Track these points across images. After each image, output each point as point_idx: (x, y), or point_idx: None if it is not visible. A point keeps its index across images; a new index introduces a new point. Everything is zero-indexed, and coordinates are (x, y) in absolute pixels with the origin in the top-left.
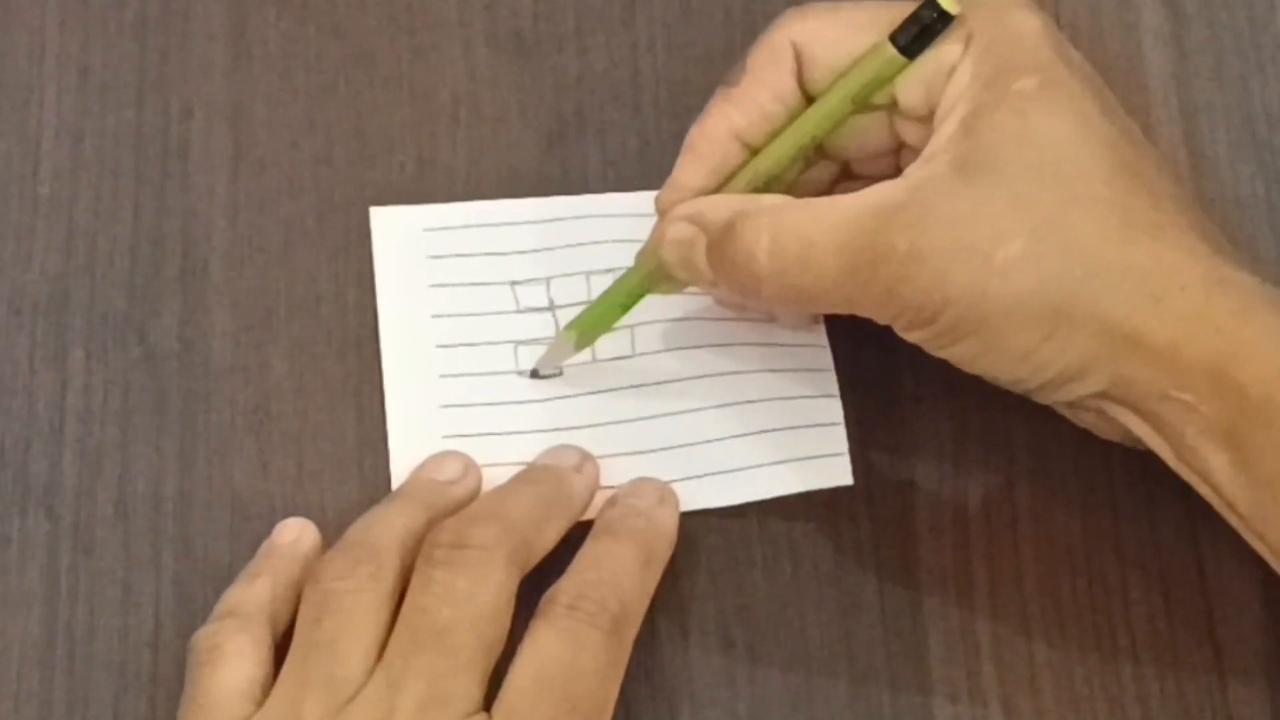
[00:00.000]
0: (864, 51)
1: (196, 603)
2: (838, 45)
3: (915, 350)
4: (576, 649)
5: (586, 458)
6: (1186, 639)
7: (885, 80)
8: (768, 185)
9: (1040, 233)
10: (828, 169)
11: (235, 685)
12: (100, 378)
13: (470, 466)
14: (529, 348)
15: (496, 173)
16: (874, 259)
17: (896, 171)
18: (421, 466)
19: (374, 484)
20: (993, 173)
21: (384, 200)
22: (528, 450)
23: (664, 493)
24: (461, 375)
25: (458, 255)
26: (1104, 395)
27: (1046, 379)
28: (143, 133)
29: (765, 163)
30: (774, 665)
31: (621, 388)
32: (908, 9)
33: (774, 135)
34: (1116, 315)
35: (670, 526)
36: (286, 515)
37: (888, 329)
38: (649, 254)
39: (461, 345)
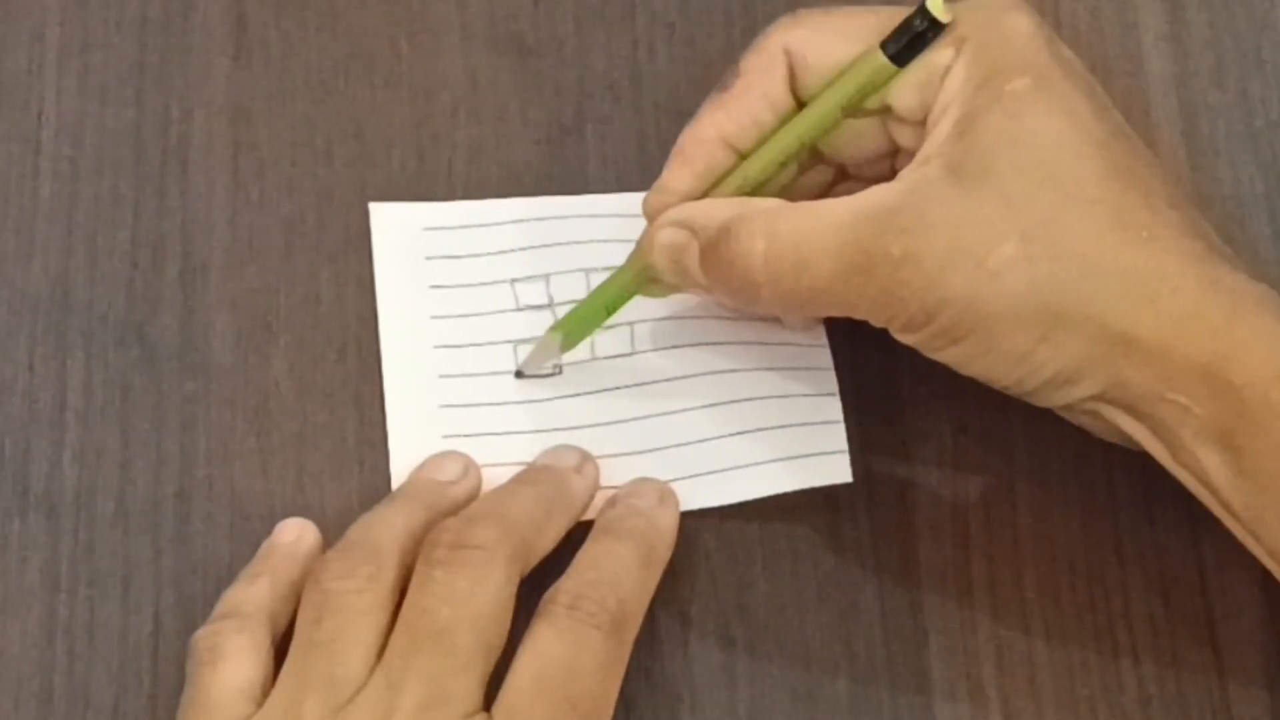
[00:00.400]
0: (856, 58)
1: (196, 603)
2: (830, 52)
3: (915, 351)
4: (576, 649)
5: (586, 458)
6: (1186, 639)
7: (875, 88)
8: (755, 190)
9: (1032, 235)
10: (824, 173)
11: (235, 685)
12: (100, 378)
13: (470, 466)
14: (528, 347)
15: (496, 173)
16: (869, 262)
17: (892, 175)
18: (421, 466)
19: (374, 484)
20: (985, 175)
21: (383, 199)
22: (528, 450)
23: (664, 493)
24: (461, 375)
25: (457, 256)
26: (1100, 398)
27: (1042, 381)
28: (143, 133)
29: (753, 167)
30: (774, 665)
31: (621, 387)
32: (902, 17)
33: (764, 141)
34: (1110, 317)
35: (670, 526)
36: (286, 515)
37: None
38: (637, 258)
39: (461, 345)
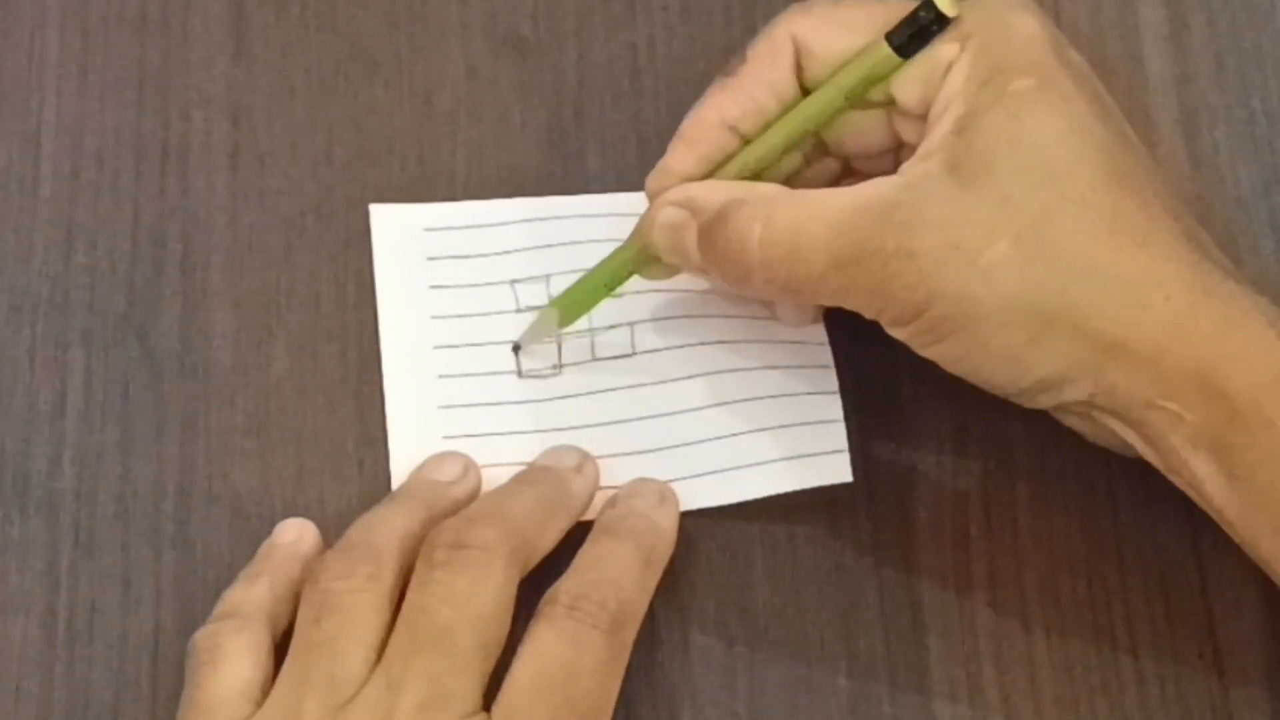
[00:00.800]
0: (862, 48)
1: (196, 603)
2: (837, 42)
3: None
4: (576, 649)
5: (586, 458)
6: (1186, 639)
7: (880, 78)
8: (756, 175)
9: (1026, 236)
10: (830, 167)
11: (235, 685)
12: (100, 378)
13: (470, 467)
14: (529, 349)
15: (496, 173)
16: (862, 254)
17: (895, 170)
18: (421, 467)
19: (374, 484)
20: (983, 174)
21: (384, 199)
22: (528, 450)
23: (664, 493)
24: (461, 375)
25: (457, 256)
26: (1090, 402)
27: (1031, 383)
28: (143, 133)
29: (756, 152)
30: (774, 665)
31: (621, 387)
32: (910, 8)
33: (767, 127)
34: (1100, 322)
35: (670, 527)
36: (286, 515)
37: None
38: (638, 237)
39: (461, 345)
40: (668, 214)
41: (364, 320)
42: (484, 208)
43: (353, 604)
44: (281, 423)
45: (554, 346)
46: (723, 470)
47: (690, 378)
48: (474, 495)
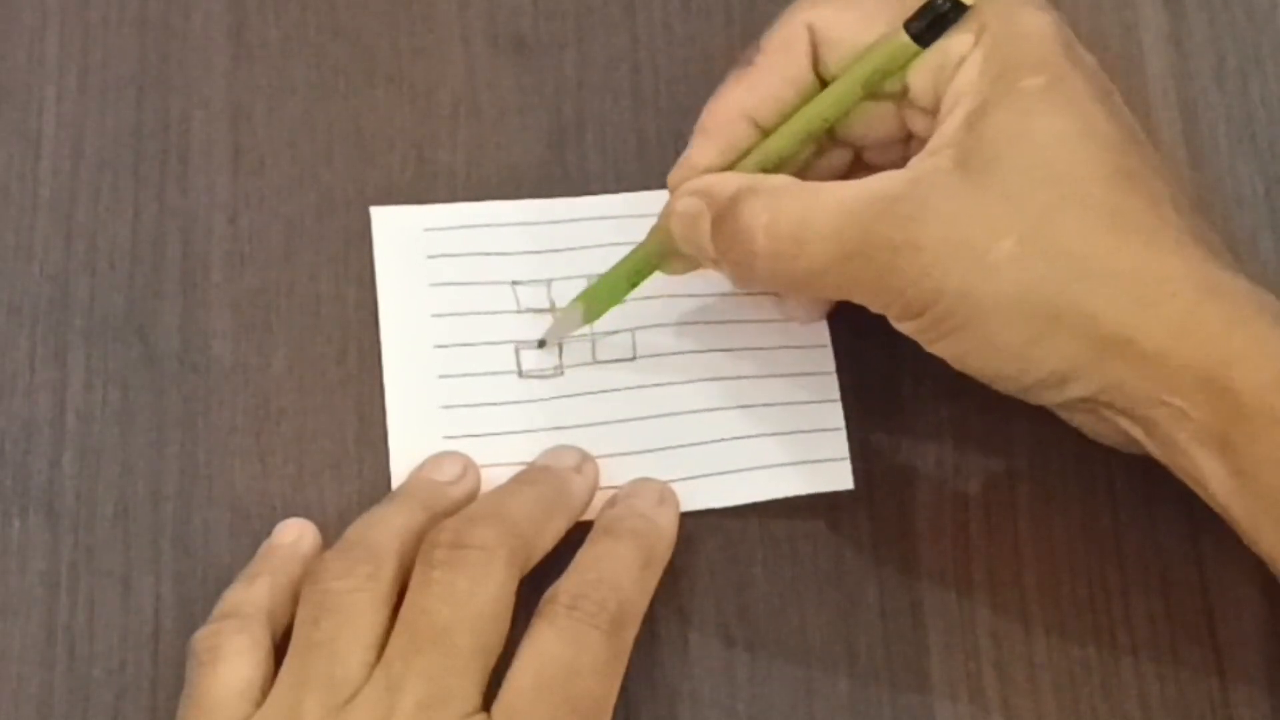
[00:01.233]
0: (878, 37)
1: (196, 603)
2: (853, 30)
3: (916, 351)
4: (576, 649)
5: (586, 458)
6: (1186, 639)
7: (897, 67)
8: (778, 166)
9: (1032, 233)
10: (841, 157)
11: (234, 686)
12: (100, 378)
13: (469, 467)
14: (529, 349)
15: (496, 173)
16: (868, 247)
17: (905, 161)
18: (421, 467)
19: (374, 484)
20: (991, 171)
21: (384, 200)
22: (528, 450)
23: (664, 493)
24: (462, 375)
25: (458, 255)
26: (1095, 399)
27: (1036, 380)
28: (143, 133)
29: (776, 144)
30: (774, 665)
31: (621, 389)
32: None
33: (786, 117)
34: (1105, 319)
35: (670, 527)
36: (286, 515)
37: (888, 328)
38: (659, 229)
39: (462, 345)
40: (685, 204)
41: (364, 320)
42: (485, 209)
43: (352, 604)
44: (281, 423)
45: (555, 349)
46: (723, 473)
47: (691, 382)
48: (473, 495)
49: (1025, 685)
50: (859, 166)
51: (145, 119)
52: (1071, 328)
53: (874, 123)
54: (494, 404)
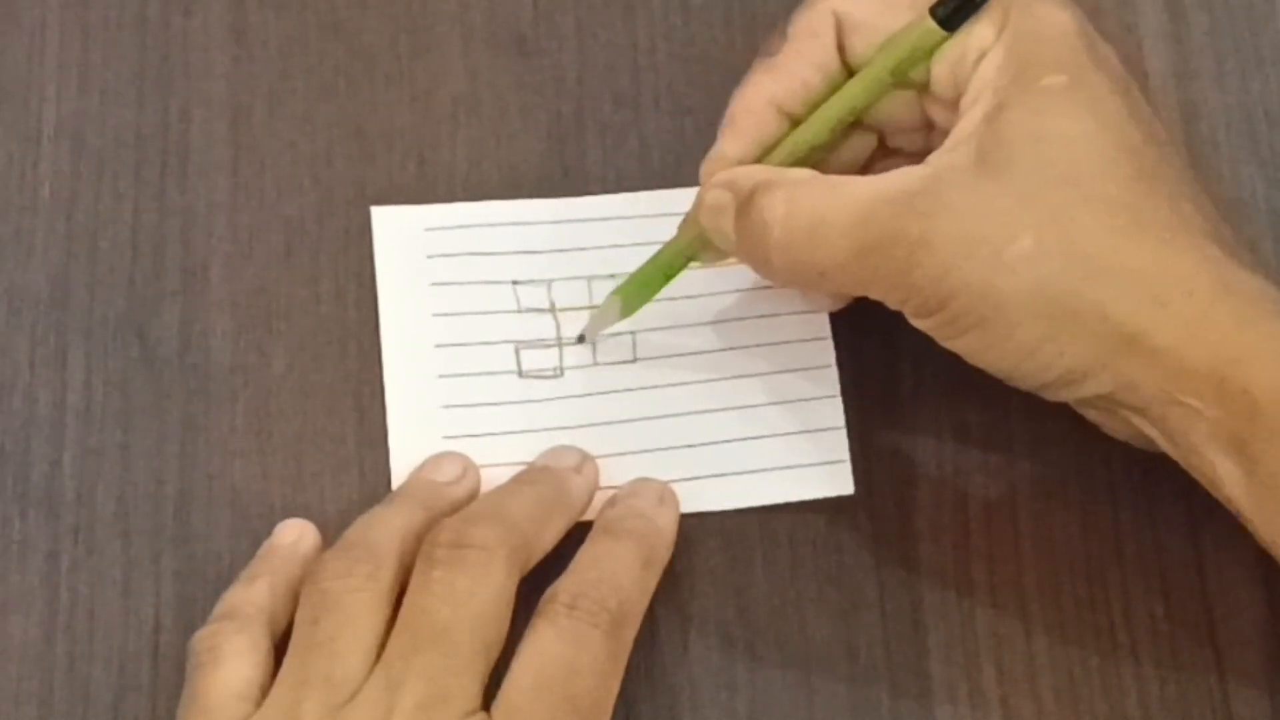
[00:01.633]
0: (905, 23)
1: (196, 603)
2: (878, 15)
3: (916, 351)
4: (576, 648)
5: (586, 458)
6: (1186, 639)
7: (925, 53)
8: (809, 156)
9: (1049, 231)
10: (866, 141)
11: (234, 686)
12: (100, 378)
13: (469, 467)
14: (530, 349)
15: (496, 173)
16: (885, 242)
17: (927, 146)
18: (420, 467)
19: (374, 484)
20: (1009, 168)
21: (384, 200)
22: (528, 450)
23: (664, 493)
24: (462, 375)
25: (459, 254)
26: (1111, 397)
27: (1052, 377)
28: (143, 133)
29: (806, 134)
30: (774, 665)
31: (621, 390)
32: None
33: (813, 105)
34: (1121, 317)
35: (670, 527)
36: (286, 515)
37: (889, 328)
38: (691, 221)
39: (462, 345)
40: (713, 196)
41: (364, 320)
42: (486, 209)
43: (351, 604)
44: (281, 423)
45: (555, 350)
46: (723, 474)
47: (691, 384)
48: (473, 495)
49: (1025, 685)
50: (882, 153)
51: (145, 119)
52: (1087, 325)
53: (897, 109)
54: (494, 404)
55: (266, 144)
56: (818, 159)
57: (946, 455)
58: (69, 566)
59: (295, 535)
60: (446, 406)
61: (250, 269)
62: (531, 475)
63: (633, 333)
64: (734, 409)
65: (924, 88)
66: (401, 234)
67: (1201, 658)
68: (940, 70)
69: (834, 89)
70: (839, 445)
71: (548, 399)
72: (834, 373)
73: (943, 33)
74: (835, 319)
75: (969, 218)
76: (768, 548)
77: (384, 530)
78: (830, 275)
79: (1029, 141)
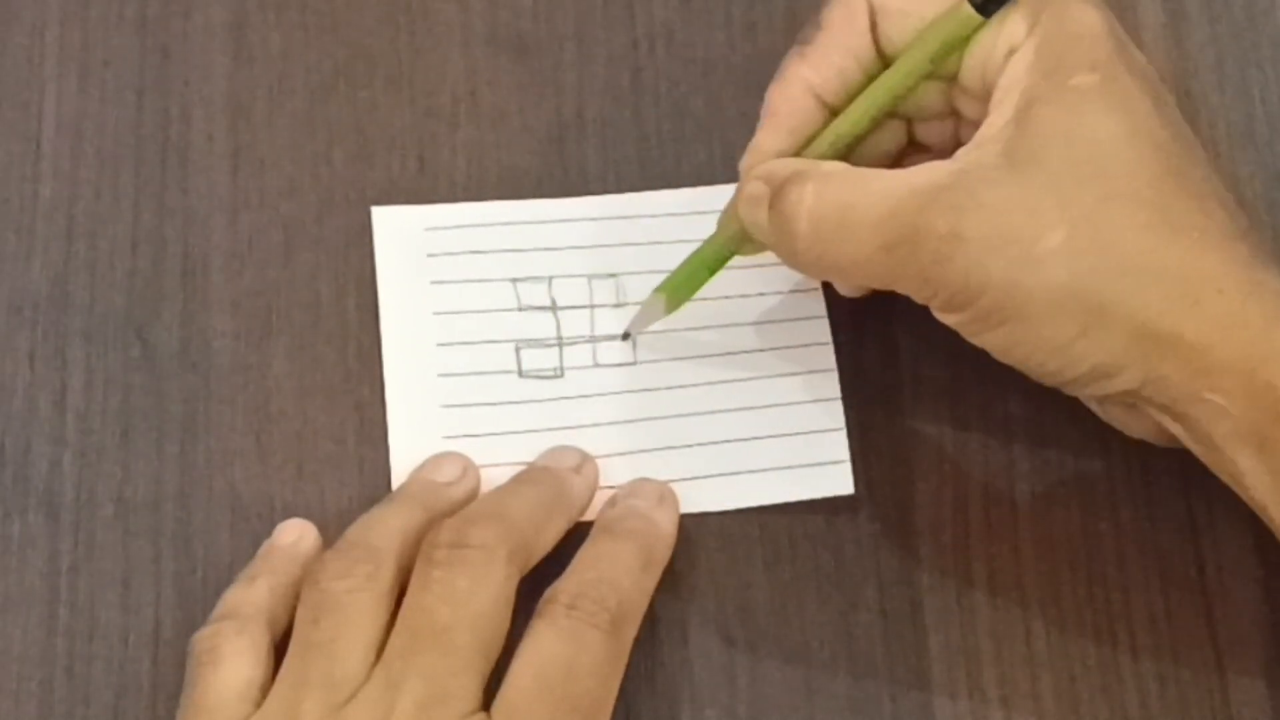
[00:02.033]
0: (937, 9)
1: (196, 603)
2: (912, 3)
3: (916, 351)
4: (576, 648)
5: (586, 459)
6: (1186, 639)
7: (961, 40)
8: (849, 147)
9: (1079, 228)
10: (896, 132)
11: (234, 686)
12: (100, 378)
13: (469, 467)
14: (530, 348)
15: (496, 173)
16: (913, 237)
17: (955, 137)
18: (420, 467)
19: (374, 484)
20: (1039, 166)
21: (384, 200)
22: (528, 450)
23: (663, 493)
24: (462, 375)
25: (459, 253)
26: (1137, 394)
27: (1080, 373)
28: (143, 133)
29: (845, 124)
30: (774, 665)
31: (622, 391)
32: None
33: (850, 94)
34: (1151, 314)
35: (670, 527)
36: (286, 515)
37: (888, 328)
38: (731, 214)
39: (462, 344)
40: (750, 187)
41: (364, 320)
42: (486, 209)
43: (351, 604)
44: (281, 423)
45: (556, 350)
46: (723, 475)
47: (691, 386)
48: (473, 496)
49: (1025, 685)
50: (912, 146)
51: (145, 119)
52: (1117, 322)
53: (927, 97)
54: (494, 404)
55: (266, 144)
56: (857, 149)
57: (946, 455)
58: (69, 566)
59: (295, 535)
60: (446, 406)
61: (250, 269)
62: (531, 475)
63: (633, 336)
64: (734, 410)
65: (953, 78)
66: (401, 234)
67: (1201, 658)
68: (971, 63)
69: (870, 78)
70: (839, 445)
71: (548, 399)
72: (834, 375)
73: (979, 18)
74: (835, 320)
75: (999, 214)
76: (768, 548)
77: (384, 530)
78: (857, 269)
79: (1059, 139)
